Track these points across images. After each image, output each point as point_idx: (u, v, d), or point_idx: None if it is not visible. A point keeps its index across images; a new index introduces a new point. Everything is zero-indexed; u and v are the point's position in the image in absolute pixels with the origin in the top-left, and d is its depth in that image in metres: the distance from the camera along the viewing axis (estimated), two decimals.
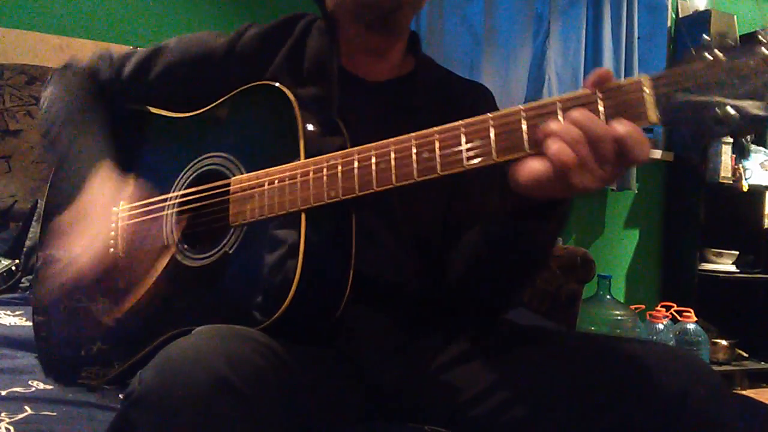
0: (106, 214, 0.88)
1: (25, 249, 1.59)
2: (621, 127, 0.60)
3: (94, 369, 0.92)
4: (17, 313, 1.27)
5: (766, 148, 3.14)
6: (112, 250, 0.92)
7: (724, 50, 0.60)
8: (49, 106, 1.02)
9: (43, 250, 1.01)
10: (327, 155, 0.77)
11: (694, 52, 0.61)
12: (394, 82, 1.00)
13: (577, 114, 0.62)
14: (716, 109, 0.59)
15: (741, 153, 2.81)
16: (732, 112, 0.58)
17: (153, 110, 1.02)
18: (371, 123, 0.91)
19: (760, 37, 0.58)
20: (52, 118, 1.00)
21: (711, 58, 0.60)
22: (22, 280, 1.54)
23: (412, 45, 1.03)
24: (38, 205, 1.58)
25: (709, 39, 0.62)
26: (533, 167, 0.64)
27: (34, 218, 1.60)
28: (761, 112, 0.58)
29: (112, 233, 0.93)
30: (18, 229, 1.65)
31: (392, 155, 0.72)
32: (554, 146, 0.61)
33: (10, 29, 2.10)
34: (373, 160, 0.73)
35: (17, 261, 1.57)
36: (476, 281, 0.87)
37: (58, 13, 2.21)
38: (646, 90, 0.61)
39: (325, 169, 0.76)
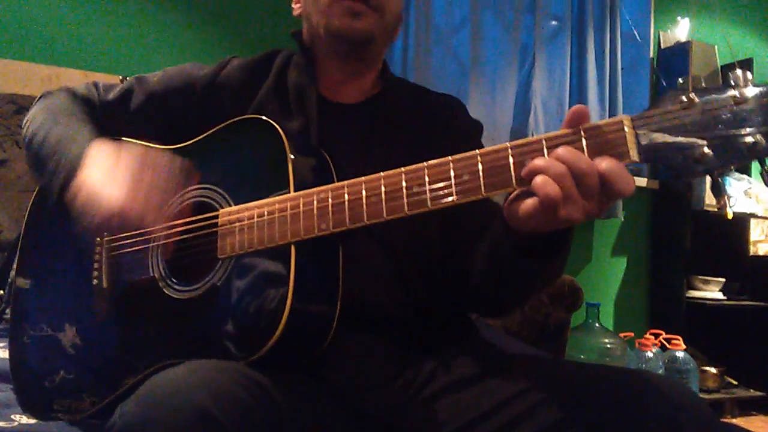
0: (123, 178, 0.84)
1: (9, 279, 1.57)
2: (604, 162, 0.63)
3: (66, 402, 0.90)
4: (1, 345, 1.25)
5: (749, 176, 3.19)
6: (95, 281, 0.92)
7: (698, 92, 0.63)
8: (34, 118, 1.02)
9: (22, 277, 1.01)
10: (317, 188, 0.78)
11: (670, 94, 0.64)
12: (366, 102, 1.05)
13: (562, 150, 0.65)
14: (693, 148, 0.62)
15: (717, 191, 2.86)
16: (708, 151, 0.62)
17: (138, 142, 1.02)
18: (351, 142, 0.96)
19: (731, 80, 0.62)
20: (37, 125, 0.99)
21: (686, 100, 0.63)
22: (6, 310, 1.51)
23: (383, 70, 1.09)
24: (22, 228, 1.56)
25: (683, 82, 0.65)
26: (525, 203, 0.67)
27: (19, 246, 1.58)
28: (737, 151, 0.61)
29: (96, 264, 0.92)
30: (3, 259, 1.63)
31: (383, 189, 0.73)
32: (539, 180, 0.64)
33: None
34: (364, 193, 0.74)
35: (1, 291, 1.55)
36: (483, 298, 0.91)
37: (47, 42, 2.22)
38: (627, 130, 0.64)
39: (315, 202, 0.77)
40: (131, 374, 0.84)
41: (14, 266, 1.58)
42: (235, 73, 1.04)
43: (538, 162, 0.65)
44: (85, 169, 0.86)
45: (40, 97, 1.08)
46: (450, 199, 0.70)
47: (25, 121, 1.04)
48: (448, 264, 0.99)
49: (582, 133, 0.66)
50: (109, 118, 1.05)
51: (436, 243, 0.99)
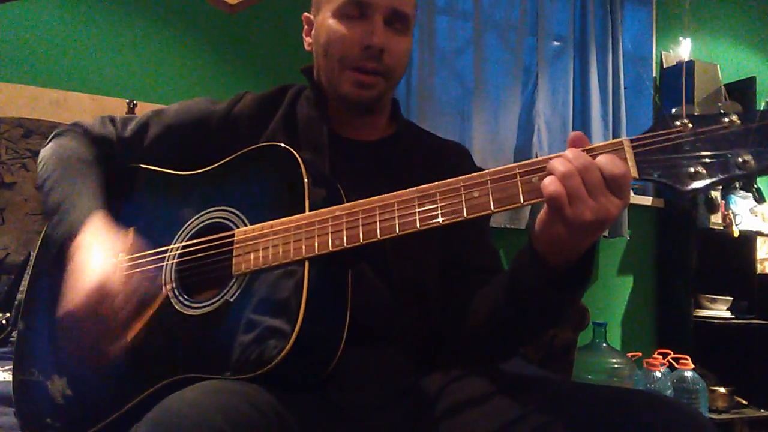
0: (101, 267, 0.86)
1: (16, 302, 1.57)
2: (598, 157, 0.69)
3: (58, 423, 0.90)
4: (6, 367, 1.25)
5: (753, 196, 3.18)
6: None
7: (691, 118, 0.70)
8: (45, 162, 1.04)
9: (29, 310, 1.01)
10: (331, 208, 0.80)
11: (666, 120, 0.70)
12: (379, 143, 1.07)
13: (566, 152, 0.70)
14: (688, 167, 0.68)
15: (711, 208, 2.94)
16: (701, 169, 0.68)
17: (155, 168, 1.05)
18: (360, 180, 0.97)
19: (721, 109, 0.67)
20: (47, 173, 1.01)
21: (681, 125, 0.69)
22: (13, 334, 1.52)
23: (394, 110, 1.12)
24: (30, 257, 1.57)
25: (677, 110, 0.71)
26: (540, 216, 0.72)
27: (27, 271, 1.59)
28: (728, 170, 0.67)
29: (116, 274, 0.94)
30: (10, 282, 1.64)
31: (396, 206, 0.77)
32: (545, 181, 0.68)
33: (8, 83, 2.13)
34: (378, 211, 0.77)
35: (8, 314, 1.55)
36: (491, 334, 0.90)
37: (56, 67, 2.25)
38: (627, 150, 0.70)
39: (330, 220, 0.80)
40: (140, 390, 0.84)
41: (20, 289, 1.59)
42: (249, 107, 1.06)
43: (549, 164, 0.69)
44: (78, 242, 0.89)
45: (54, 136, 1.09)
46: (461, 215, 0.73)
47: (38, 161, 1.06)
48: (443, 303, 1.00)
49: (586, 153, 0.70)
50: (128, 151, 1.07)
51: (434, 271, 1.00)
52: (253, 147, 0.93)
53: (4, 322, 1.53)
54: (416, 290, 0.97)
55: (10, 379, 1.16)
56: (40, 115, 2.06)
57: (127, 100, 2.16)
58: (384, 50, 0.97)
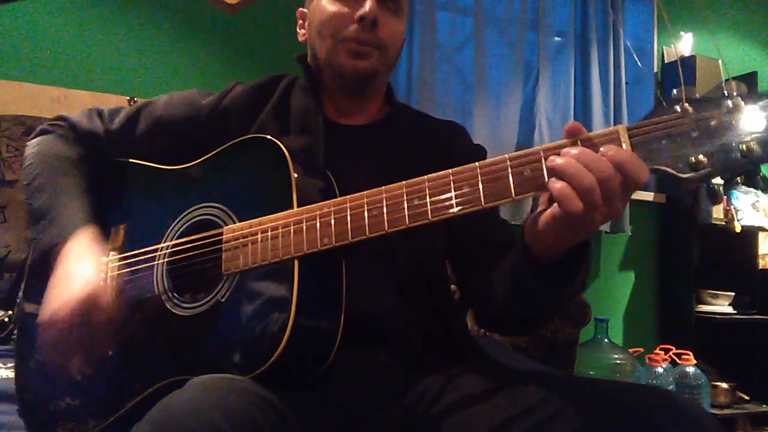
0: (89, 278, 0.87)
1: (18, 300, 1.57)
2: (617, 153, 0.64)
3: (70, 425, 0.90)
4: (9, 365, 1.26)
5: (756, 189, 3.17)
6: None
7: (691, 102, 0.65)
8: (31, 161, 1.03)
9: (26, 302, 1.01)
10: (319, 204, 0.79)
11: (665, 105, 0.66)
12: (372, 126, 1.07)
13: (584, 155, 0.65)
14: (688, 155, 0.64)
15: (713, 199, 2.92)
16: (702, 158, 0.63)
17: (144, 163, 1.04)
18: (355, 164, 0.97)
19: (725, 90, 0.63)
20: (32, 175, 1.01)
21: (680, 110, 0.65)
22: (15, 331, 1.52)
23: (388, 94, 1.12)
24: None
25: (677, 93, 0.67)
26: (544, 215, 0.69)
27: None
28: (731, 158, 0.63)
29: (101, 284, 0.93)
30: (12, 279, 1.64)
31: (384, 202, 0.74)
32: (565, 194, 0.64)
33: (8, 81, 2.13)
34: (366, 207, 0.75)
35: (10, 312, 1.55)
36: (513, 312, 0.91)
37: (56, 64, 2.25)
38: (623, 139, 0.66)
39: (318, 217, 0.78)
40: (137, 392, 0.84)
41: (22, 287, 1.59)
42: (239, 98, 1.06)
43: (568, 175, 0.64)
44: (65, 253, 0.90)
45: (40, 132, 1.09)
46: (451, 210, 0.71)
47: (24, 156, 1.05)
48: (465, 285, 1.02)
49: (579, 143, 0.67)
50: (116, 145, 1.06)
51: (439, 262, 1.00)
52: (238, 140, 0.91)
53: (6, 319, 1.53)
54: (421, 277, 0.97)
55: (12, 377, 1.16)
56: (40, 113, 2.06)
57: (128, 98, 2.16)
58: (377, 22, 0.98)
